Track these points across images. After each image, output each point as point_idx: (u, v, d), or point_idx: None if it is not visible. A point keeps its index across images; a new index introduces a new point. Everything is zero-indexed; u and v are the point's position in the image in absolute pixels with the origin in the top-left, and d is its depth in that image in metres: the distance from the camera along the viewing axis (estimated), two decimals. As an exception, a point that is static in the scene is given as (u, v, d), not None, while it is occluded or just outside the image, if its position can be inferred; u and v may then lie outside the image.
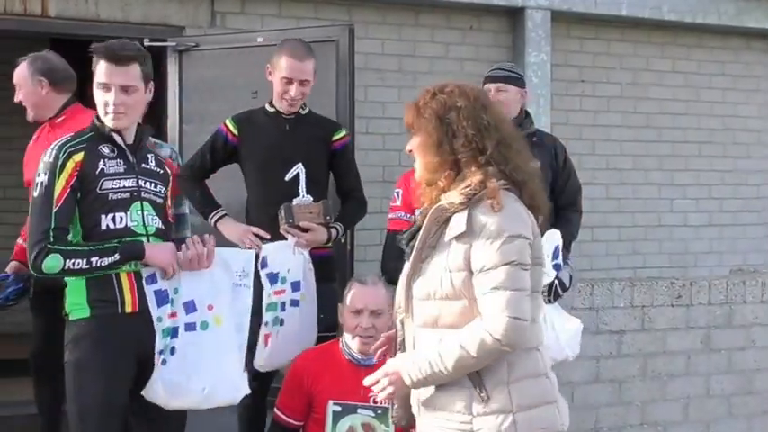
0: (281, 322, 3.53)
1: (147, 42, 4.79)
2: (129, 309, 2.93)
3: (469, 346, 2.20)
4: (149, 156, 3.13)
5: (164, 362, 2.95)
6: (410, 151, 2.43)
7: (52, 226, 2.83)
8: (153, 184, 3.04)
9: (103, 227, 2.91)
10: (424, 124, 2.36)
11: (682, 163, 6.65)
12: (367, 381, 2.42)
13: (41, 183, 2.87)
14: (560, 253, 3.37)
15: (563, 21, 6.20)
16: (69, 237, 2.89)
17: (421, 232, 2.35)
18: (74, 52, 6.95)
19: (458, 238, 2.25)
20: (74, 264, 2.81)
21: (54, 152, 2.90)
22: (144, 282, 2.92)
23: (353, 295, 3.37)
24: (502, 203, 2.23)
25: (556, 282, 3.36)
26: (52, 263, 2.79)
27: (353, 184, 3.94)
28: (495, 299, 2.19)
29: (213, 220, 3.74)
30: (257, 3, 5.54)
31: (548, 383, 2.34)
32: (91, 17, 5.18)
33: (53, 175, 2.86)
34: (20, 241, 4.00)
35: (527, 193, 2.34)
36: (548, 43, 6.05)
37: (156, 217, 3.02)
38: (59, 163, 2.87)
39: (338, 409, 3.25)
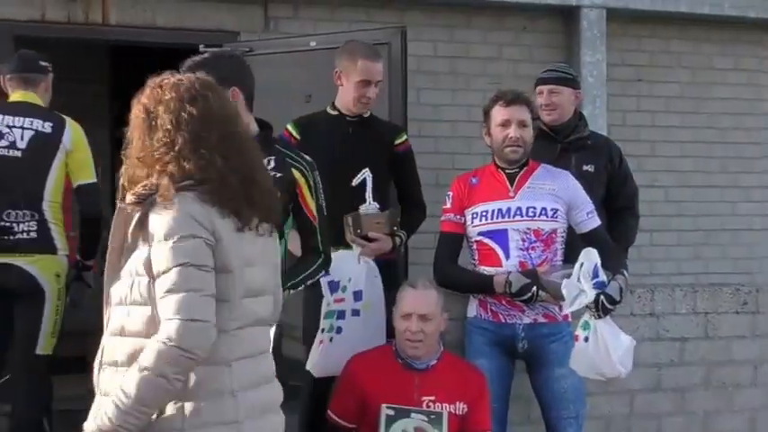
0: (338, 330, 3.50)
1: (201, 48, 4.82)
2: None
3: (149, 363, 2.00)
4: (268, 159, 2.99)
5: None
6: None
7: None
8: None
9: None
10: (134, 120, 2.20)
11: (746, 165, 6.49)
12: None
13: None
14: (600, 271, 3.28)
15: (619, 19, 6.12)
16: None
17: (110, 235, 2.21)
18: (133, 59, 7.03)
19: (141, 241, 2.13)
20: None
21: None
22: None
23: (403, 299, 3.35)
24: (173, 203, 2.07)
25: (602, 297, 3.25)
26: None
27: (415, 189, 3.91)
28: (169, 302, 2.03)
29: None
30: (310, 7, 5.57)
31: (231, 403, 2.13)
32: (149, 24, 5.31)
33: None
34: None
35: (219, 192, 2.13)
36: (603, 42, 5.97)
37: None
38: None
39: (391, 412, 3.23)
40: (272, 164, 3.03)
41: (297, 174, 3.07)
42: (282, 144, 3.31)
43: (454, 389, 3.31)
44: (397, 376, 3.29)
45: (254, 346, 2.22)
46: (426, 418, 3.22)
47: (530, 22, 6.05)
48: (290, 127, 3.83)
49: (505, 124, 3.54)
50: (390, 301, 3.51)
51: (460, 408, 3.29)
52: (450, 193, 3.66)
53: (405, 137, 3.88)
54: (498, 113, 3.55)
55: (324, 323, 3.50)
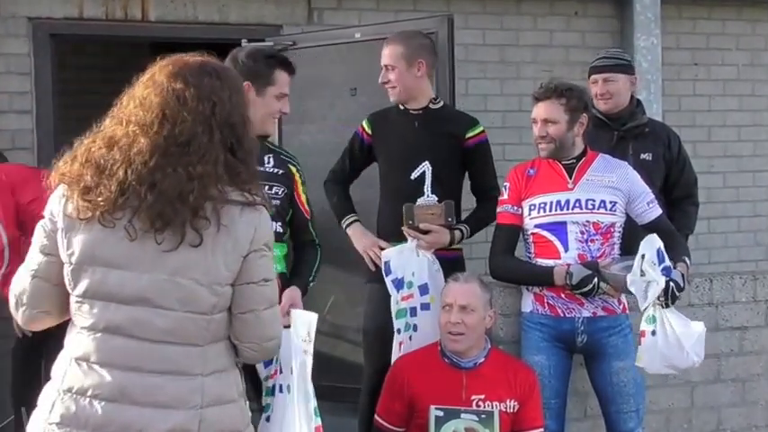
0: (415, 328, 3.50)
1: (244, 43, 4.80)
2: None
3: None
4: (266, 157, 3.16)
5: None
6: None
7: None
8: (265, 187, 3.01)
9: None
10: None
11: (806, 147, 6.32)
12: None
13: None
14: (665, 256, 3.21)
15: (673, 1, 6.00)
16: None
17: None
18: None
19: None
20: None
21: None
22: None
23: (445, 291, 3.34)
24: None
25: (672, 285, 3.18)
26: None
27: (489, 182, 3.84)
28: None
29: (344, 225, 3.80)
30: (354, -3, 5.52)
31: (50, 404, 2.04)
32: (189, 20, 5.28)
33: None
34: None
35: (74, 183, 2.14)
36: (657, 26, 5.86)
37: None
38: None
39: (440, 413, 3.19)
40: (272, 161, 3.20)
41: (293, 169, 3.26)
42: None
43: (503, 386, 3.26)
44: (444, 376, 3.25)
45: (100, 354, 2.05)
46: (477, 418, 3.18)
47: (581, 6, 5.95)
48: (364, 123, 3.86)
49: (534, 121, 3.52)
50: None
51: (511, 405, 3.25)
52: (507, 184, 3.61)
53: (479, 129, 3.81)
54: (533, 110, 3.54)
55: (398, 323, 3.49)
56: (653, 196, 3.56)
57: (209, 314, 2.05)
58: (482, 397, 3.23)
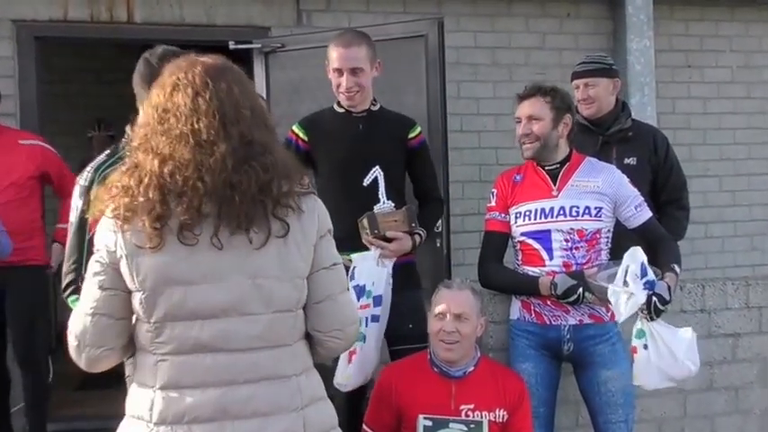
0: (363, 338, 3.37)
1: (231, 45, 4.75)
2: None
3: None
4: None
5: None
6: None
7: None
8: None
9: None
10: None
11: (802, 150, 6.29)
12: None
13: (76, 207, 2.76)
14: (648, 270, 3.16)
15: (666, 3, 5.96)
16: None
17: None
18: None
19: None
20: None
21: (90, 175, 2.78)
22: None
23: (438, 299, 3.26)
24: None
25: (654, 299, 3.13)
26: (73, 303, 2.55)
27: (431, 184, 3.76)
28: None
29: None
30: (343, -1, 5.47)
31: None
32: (176, 22, 5.22)
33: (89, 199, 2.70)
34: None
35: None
36: (650, 28, 5.82)
37: None
38: (95, 186, 2.65)
39: (429, 423, 3.13)
40: None
41: None
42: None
43: (493, 396, 3.21)
44: (433, 385, 3.19)
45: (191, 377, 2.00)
46: (465, 428, 3.13)
47: (574, 8, 5.91)
48: (295, 128, 3.62)
49: (518, 120, 3.47)
50: (413, 304, 3.49)
51: (500, 415, 3.20)
52: (495, 191, 3.56)
53: (418, 130, 3.69)
54: (517, 110, 3.48)
55: None
56: (642, 199, 3.49)
57: (295, 310, 2.05)
58: (471, 406, 3.17)
